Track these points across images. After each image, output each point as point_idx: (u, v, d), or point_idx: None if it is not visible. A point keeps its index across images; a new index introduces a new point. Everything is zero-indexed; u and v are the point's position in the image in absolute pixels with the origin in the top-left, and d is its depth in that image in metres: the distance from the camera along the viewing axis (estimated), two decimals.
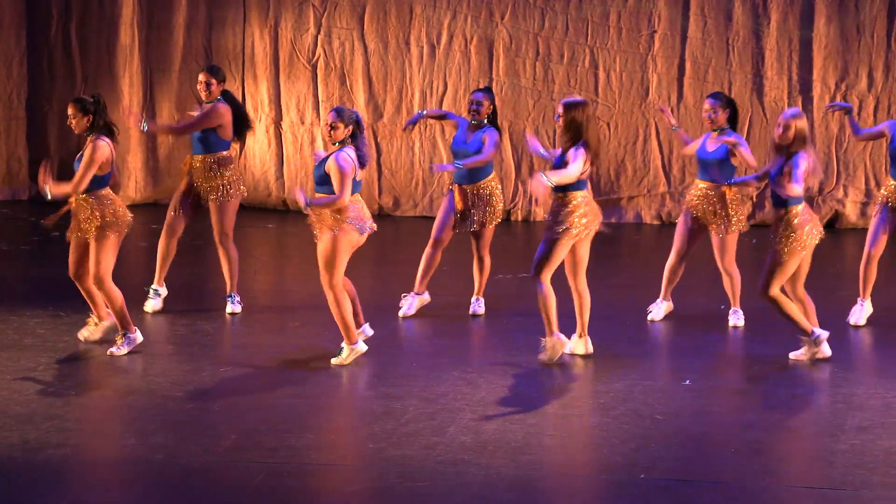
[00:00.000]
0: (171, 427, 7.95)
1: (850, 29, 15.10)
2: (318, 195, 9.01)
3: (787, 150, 9.04)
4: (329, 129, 9.01)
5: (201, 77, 10.68)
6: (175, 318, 10.61)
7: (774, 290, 9.09)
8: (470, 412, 8.25)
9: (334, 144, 9.04)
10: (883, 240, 10.36)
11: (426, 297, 10.78)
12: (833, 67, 15.15)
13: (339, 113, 9.03)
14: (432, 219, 15.66)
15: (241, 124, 10.75)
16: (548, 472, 7.28)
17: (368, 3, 15.84)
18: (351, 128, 9.03)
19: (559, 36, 15.59)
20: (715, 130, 10.28)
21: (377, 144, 16.00)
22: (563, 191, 9.17)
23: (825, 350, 9.24)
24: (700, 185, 10.34)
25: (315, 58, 15.99)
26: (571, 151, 9.09)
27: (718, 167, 10.18)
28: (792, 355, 9.27)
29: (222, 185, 10.62)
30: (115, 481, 7.18)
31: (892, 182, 10.47)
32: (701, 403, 8.51)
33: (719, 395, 8.72)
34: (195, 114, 10.73)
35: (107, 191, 9.27)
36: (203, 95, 10.67)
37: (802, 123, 9.02)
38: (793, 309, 9.18)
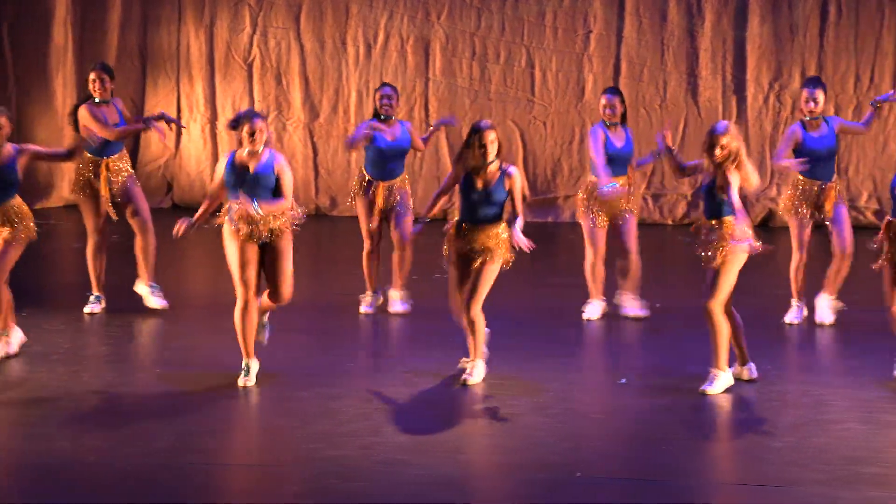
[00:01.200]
0: (106, 429, 7.89)
1: (784, 29, 15.23)
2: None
3: (720, 166, 8.55)
4: (258, 133, 8.88)
5: (93, 75, 10.60)
6: (109, 318, 10.53)
7: (715, 305, 8.60)
8: (407, 412, 8.25)
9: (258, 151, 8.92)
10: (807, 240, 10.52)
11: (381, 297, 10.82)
12: (766, 67, 15.29)
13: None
14: None
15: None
16: (485, 472, 7.29)
17: (304, 3, 15.81)
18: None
19: (495, 36, 15.63)
20: (614, 124, 10.42)
21: (313, 144, 15.97)
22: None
23: (732, 380, 8.77)
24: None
25: (251, 57, 15.93)
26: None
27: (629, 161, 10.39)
28: (707, 389, 8.70)
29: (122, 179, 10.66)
30: (49, 485, 7.12)
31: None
32: (637, 402, 8.55)
33: (655, 394, 8.77)
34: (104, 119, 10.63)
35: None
36: (98, 94, 10.58)
37: (732, 139, 8.49)
38: (722, 337, 8.60)
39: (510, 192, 8.67)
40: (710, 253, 8.53)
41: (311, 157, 15.95)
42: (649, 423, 8.17)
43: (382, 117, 10.63)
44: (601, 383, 8.97)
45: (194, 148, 16.04)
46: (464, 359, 8.97)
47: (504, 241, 8.67)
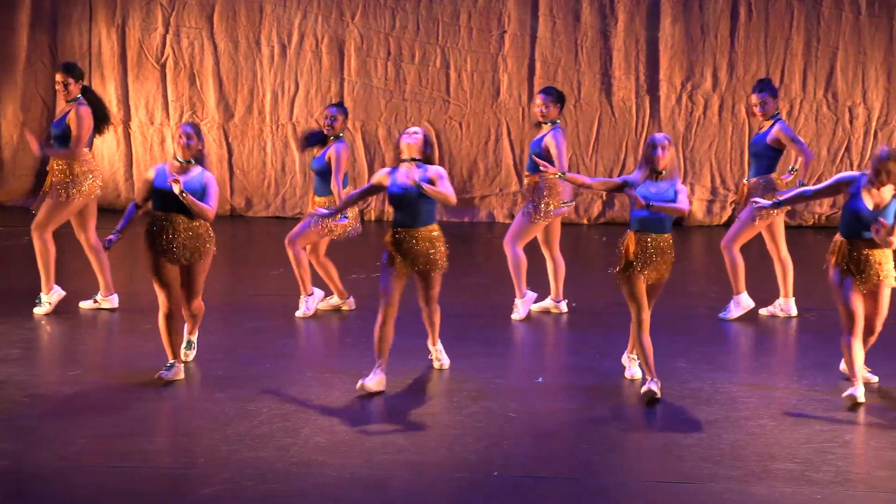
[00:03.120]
0: (19, 433, 7.81)
1: (695, 29, 15.38)
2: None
3: (659, 175, 8.56)
4: (187, 140, 8.86)
5: (58, 77, 10.50)
6: (22, 321, 10.41)
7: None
8: (324, 413, 8.24)
9: (189, 161, 8.88)
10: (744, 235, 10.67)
11: (319, 294, 10.83)
12: (679, 67, 15.42)
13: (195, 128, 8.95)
14: (284, 219, 15.64)
15: (101, 121, 10.64)
16: (402, 472, 7.30)
17: (217, 3, 15.71)
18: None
19: (410, 36, 15.63)
20: (546, 123, 10.49)
21: (228, 145, 15.88)
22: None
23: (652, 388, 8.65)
24: (525, 177, 10.61)
25: (164, 57, 15.81)
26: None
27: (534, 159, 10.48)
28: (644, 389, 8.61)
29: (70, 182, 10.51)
30: None
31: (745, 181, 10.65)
32: (553, 401, 8.59)
33: (571, 393, 8.82)
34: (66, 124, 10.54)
35: None
36: (62, 96, 10.51)
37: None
38: (647, 351, 8.56)
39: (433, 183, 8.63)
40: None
41: (225, 157, 15.86)
42: (566, 421, 8.22)
43: (330, 136, 10.68)
44: (518, 382, 9.01)
45: (107, 149, 15.89)
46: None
47: (441, 243, 8.72)
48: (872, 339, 8.66)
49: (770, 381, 9.07)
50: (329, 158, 10.59)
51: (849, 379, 8.60)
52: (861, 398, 8.38)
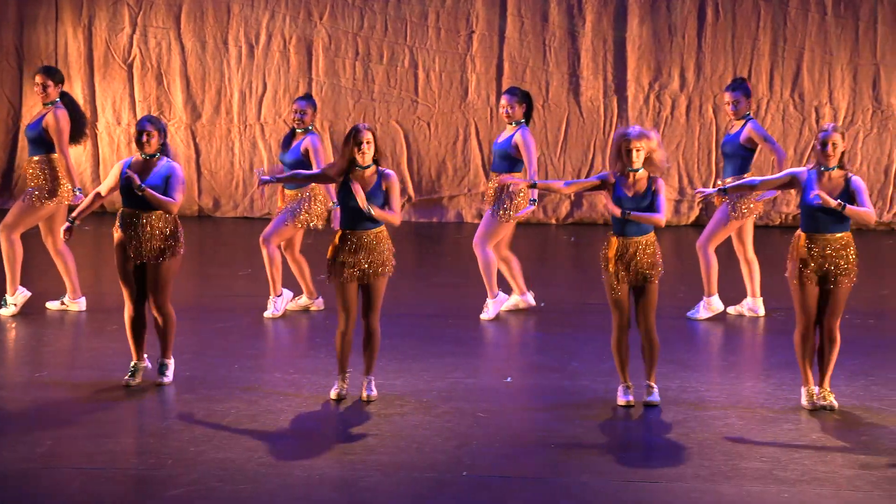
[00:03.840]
0: None
1: (662, 30, 15.42)
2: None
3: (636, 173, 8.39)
4: (147, 137, 8.78)
5: (37, 79, 10.50)
6: None
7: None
8: (292, 413, 8.22)
9: (153, 156, 8.81)
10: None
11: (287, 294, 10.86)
12: (646, 67, 15.46)
13: (152, 122, 8.84)
14: (252, 220, 15.60)
15: (77, 130, 10.57)
16: (371, 471, 7.29)
17: (185, 3, 15.67)
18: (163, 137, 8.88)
19: (378, 36, 15.62)
20: (511, 124, 10.50)
21: (196, 145, 15.84)
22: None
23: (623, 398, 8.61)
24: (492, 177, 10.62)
25: (131, 57, 15.75)
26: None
27: (500, 159, 10.45)
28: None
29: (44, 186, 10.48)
30: None
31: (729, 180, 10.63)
32: (522, 401, 8.60)
33: (540, 393, 8.82)
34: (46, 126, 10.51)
35: None
36: (40, 98, 10.48)
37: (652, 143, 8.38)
38: (620, 359, 8.48)
39: (387, 192, 8.42)
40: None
41: (193, 157, 15.82)
42: (534, 421, 8.22)
43: (299, 130, 10.62)
44: (487, 382, 9.01)
45: (74, 150, 15.80)
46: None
47: (390, 246, 8.49)
48: (835, 352, 8.35)
49: (738, 380, 9.10)
50: (306, 151, 10.52)
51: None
52: (803, 402, 8.34)
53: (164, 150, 8.81)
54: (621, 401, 8.44)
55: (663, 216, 8.42)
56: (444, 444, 7.69)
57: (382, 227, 8.48)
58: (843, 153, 8.27)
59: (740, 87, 10.62)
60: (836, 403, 8.34)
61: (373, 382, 8.51)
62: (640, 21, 15.41)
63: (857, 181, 8.25)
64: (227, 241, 14.67)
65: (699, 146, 15.50)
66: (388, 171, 8.46)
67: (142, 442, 7.81)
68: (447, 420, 8.13)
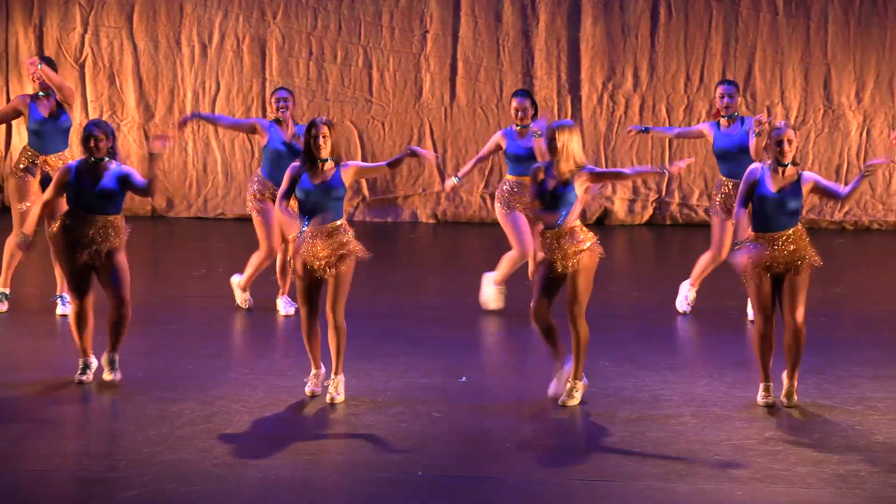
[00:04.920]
0: None
1: (616, 29, 15.47)
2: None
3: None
4: (96, 142, 8.72)
5: (31, 68, 10.69)
6: None
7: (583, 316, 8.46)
8: (247, 414, 8.19)
9: (102, 160, 8.75)
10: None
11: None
12: (600, 67, 15.50)
13: (99, 125, 8.79)
14: (206, 220, 15.54)
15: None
16: (326, 472, 7.28)
17: (137, 2, 15.59)
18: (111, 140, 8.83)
19: (332, 35, 15.60)
20: (523, 126, 10.66)
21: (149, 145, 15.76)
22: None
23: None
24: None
25: (82, 57, 15.66)
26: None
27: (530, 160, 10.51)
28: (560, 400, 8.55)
29: None
30: None
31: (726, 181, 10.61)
32: (477, 400, 8.60)
33: (495, 392, 8.83)
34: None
35: None
36: (34, 85, 10.67)
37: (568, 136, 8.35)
38: (582, 349, 8.43)
39: (357, 170, 8.46)
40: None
41: (146, 157, 15.73)
42: (490, 420, 8.23)
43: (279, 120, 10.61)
44: (442, 382, 9.01)
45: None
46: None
47: (353, 240, 8.46)
48: (801, 345, 8.31)
49: (692, 379, 9.13)
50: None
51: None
52: (759, 400, 8.41)
53: (112, 153, 8.76)
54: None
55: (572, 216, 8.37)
56: (400, 444, 7.68)
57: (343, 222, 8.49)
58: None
59: (733, 83, 10.66)
60: (796, 400, 8.39)
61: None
62: (594, 21, 15.46)
63: (809, 174, 8.37)
64: (180, 241, 14.60)
65: (652, 146, 15.55)
66: (345, 162, 8.50)
67: (94, 443, 7.76)
68: (402, 420, 8.12)
